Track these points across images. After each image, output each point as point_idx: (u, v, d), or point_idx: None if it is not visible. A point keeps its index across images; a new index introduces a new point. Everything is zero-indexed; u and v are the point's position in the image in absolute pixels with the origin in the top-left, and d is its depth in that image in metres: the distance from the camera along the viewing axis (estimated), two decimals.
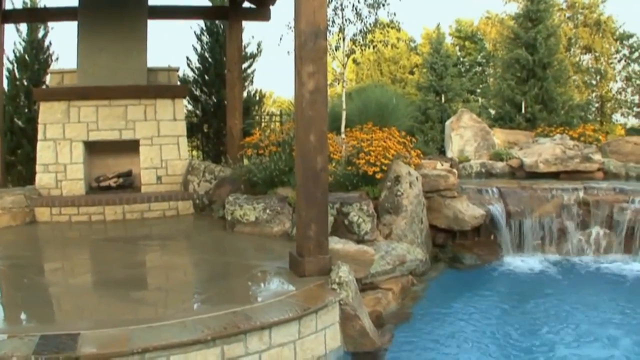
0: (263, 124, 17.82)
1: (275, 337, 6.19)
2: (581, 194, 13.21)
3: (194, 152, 17.70)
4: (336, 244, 8.83)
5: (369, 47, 12.97)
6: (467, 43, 37.28)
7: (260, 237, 10.22)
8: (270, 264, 8.40)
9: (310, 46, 7.45)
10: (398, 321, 8.43)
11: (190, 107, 17.48)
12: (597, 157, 15.80)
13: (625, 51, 32.81)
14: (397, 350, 7.49)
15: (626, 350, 7.81)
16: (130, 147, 12.81)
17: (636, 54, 30.87)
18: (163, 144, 12.83)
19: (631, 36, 32.37)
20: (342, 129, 12.27)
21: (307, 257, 7.68)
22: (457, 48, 37.50)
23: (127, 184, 13.06)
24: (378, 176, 10.85)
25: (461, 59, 36.01)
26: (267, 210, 10.41)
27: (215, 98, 17.14)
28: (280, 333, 6.23)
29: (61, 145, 12.34)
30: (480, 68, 35.95)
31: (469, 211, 12.01)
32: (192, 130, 16.66)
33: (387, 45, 13.23)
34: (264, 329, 6.06)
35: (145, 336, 5.52)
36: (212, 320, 5.97)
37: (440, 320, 8.73)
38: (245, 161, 12.55)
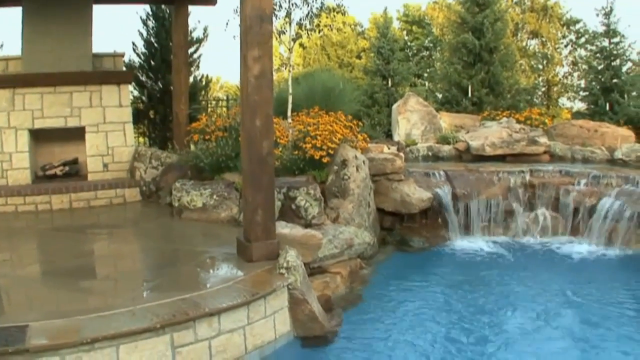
0: (210, 109, 17.74)
1: (225, 323, 6.23)
2: (527, 176, 13.46)
3: (141, 139, 17.54)
4: (283, 228, 8.87)
5: (315, 32, 13.01)
6: (414, 28, 37.48)
7: (207, 223, 10.22)
8: (218, 250, 8.44)
9: (256, 30, 7.47)
10: (347, 305, 8.52)
11: (136, 93, 17.28)
12: (543, 140, 16.05)
13: (572, 36, 33.46)
14: (347, 333, 7.58)
15: (569, 330, 8.03)
16: (76, 134, 12.61)
17: (582, 39, 31.31)
18: (109, 130, 12.68)
19: (578, 22, 32.97)
20: (289, 114, 12.33)
21: (255, 242, 7.74)
22: (405, 33, 37.69)
23: (74, 172, 12.88)
24: (325, 160, 10.91)
25: (408, 44, 36.21)
26: (214, 196, 10.42)
27: (161, 83, 16.99)
28: (229, 319, 6.28)
29: (6, 134, 12.09)
30: (428, 52, 36.21)
31: (416, 194, 12.13)
32: (138, 117, 16.47)
33: (333, 30, 13.28)
34: (212, 316, 6.10)
35: (95, 326, 5.51)
36: (161, 308, 5.99)
37: (389, 303, 8.87)
38: (192, 147, 12.49)
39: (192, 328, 5.92)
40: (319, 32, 13.15)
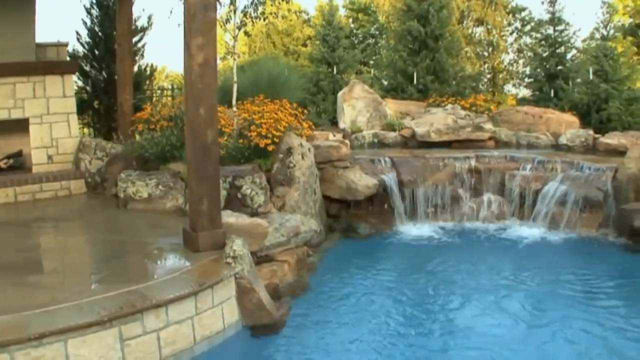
0: (154, 99, 17.61)
1: (172, 314, 6.27)
2: (473, 162, 13.70)
3: (85, 130, 17.32)
4: (229, 217, 8.91)
5: (260, 19, 13.02)
6: (360, 15, 37.51)
7: (154, 213, 10.20)
8: (165, 241, 8.45)
9: (199, 18, 7.48)
10: (295, 292, 8.63)
11: (80, 83, 17.04)
12: (489, 126, 16.33)
13: (518, 24, 33.94)
14: (295, 321, 7.70)
15: (515, 313, 8.25)
16: (20, 126, 12.35)
17: (528, 27, 31.86)
18: (53, 122, 12.47)
19: (523, 9, 33.50)
20: (234, 102, 12.29)
21: (201, 232, 7.77)
22: (351, 20, 37.72)
23: (18, 164, 12.63)
24: (270, 148, 10.94)
25: (354, 31, 36.25)
26: (160, 186, 10.41)
27: (106, 73, 16.78)
28: (177, 310, 6.32)
29: None
30: (374, 40, 36.27)
31: (362, 181, 12.26)
32: (83, 107, 16.24)
33: (278, 17, 13.30)
34: (160, 307, 6.13)
35: (42, 321, 5.49)
36: (108, 300, 5.99)
37: (336, 290, 9.00)
38: (137, 137, 12.40)
39: (140, 320, 5.93)
40: (264, 20, 13.15)
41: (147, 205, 10.37)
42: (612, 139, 15.24)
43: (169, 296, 6.24)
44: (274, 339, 7.18)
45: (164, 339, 6.17)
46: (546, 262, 10.50)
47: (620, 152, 13.76)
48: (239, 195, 10.00)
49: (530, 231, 12.24)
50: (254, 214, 9.82)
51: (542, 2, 22.53)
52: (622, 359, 6.83)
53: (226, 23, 12.53)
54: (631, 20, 31.45)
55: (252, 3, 12.60)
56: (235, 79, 12.40)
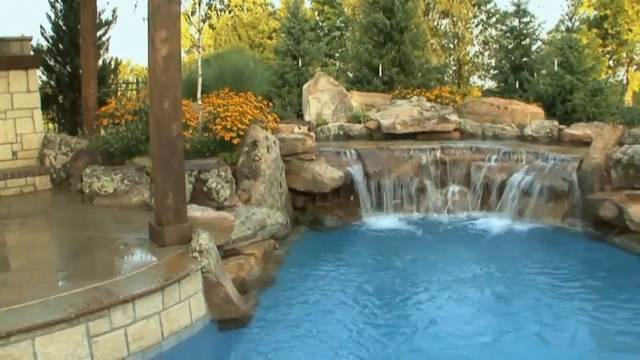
0: (119, 93, 17.49)
1: (140, 310, 6.27)
2: (438, 153, 13.86)
3: (50, 125, 17.16)
4: (195, 211, 8.95)
5: (225, 12, 13.00)
6: (326, 7, 37.45)
7: (119, 208, 10.17)
8: (131, 236, 8.42)
9: (163, 11, 7.47)
10: (262, 286, 8.68)
11: (44, 78, 16.88)
12: (454, 117, 16.47)
13: (483, 16, 34.11)
14: (263, 314, 7.75)
15: (481, 303, 8.37)
16: None
17: (493, 19, 32.09)
18: (17, 117, 12.32)
19: (489, 2, 33.62)
20: (199, 95, 12.27)
21: (167, 226, 7.79)
22: (316, 13, 37.68)
23: None
24: (235, 141, 10.97)
25: (320, 24, 36.20)
26: (125, 181, 10.37)
27: (70, 67, 16.60)
28: (144, 305, 6.33)
29: None
30: (339, 32, 36.26)
31: (327, 173, 12.34)
32: (47, 102, 16.07)
33: (243, 10, 13.29)
34: (127, 303, 6.13)
35: (9, 319, 5.46)
36: (74, 297, 5.97)
37: (303, 283, 9.08)
38: (102, 132, 12.33)
39: (107, 316, 5.93)
40: (229, 13, 13.13)
41: (112, 200, 10.33)
42: (577, 130, 15.49)
43: (136, 292, 6.24)
44: (241, 333, 7.22)
45: (132, 334, 6.17)
46: (512, 253, 10.68)
47: (585, 142, 14.01)
48: (205, 189, 10.01)
49: (496, 222, 12.41)
50: (219, 207, 9.86)
51: None
52: (589, 347, 6.98)
53: (191, 16, 12.50)
54: (596, 12, 31.86)
55: None
56: (200, 72, 12.38)
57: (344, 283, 9.11)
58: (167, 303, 6.62)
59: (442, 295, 8.64)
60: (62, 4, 16.66)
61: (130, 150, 11.18)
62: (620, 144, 12.14)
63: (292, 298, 8.41)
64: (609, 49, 31.22)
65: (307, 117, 17.71)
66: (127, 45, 50.18)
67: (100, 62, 16.29)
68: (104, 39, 17.18)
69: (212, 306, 7.36)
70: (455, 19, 33.65)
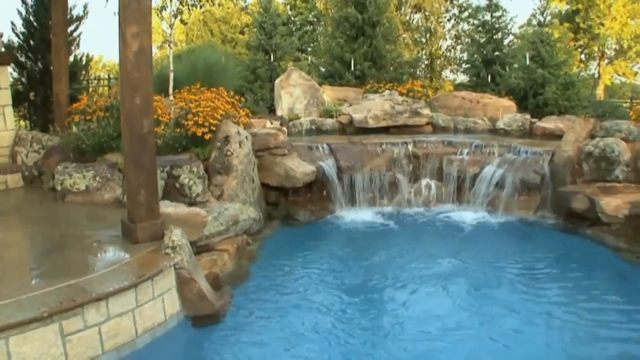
0: (91, 89, 17.39)
1: (113, 307, 6.27)
2: (411, 147, 13.94)
3: (21, 122, 17.02)
4: (168, 207, 8.95)
5: (197, 7, 12.99)
6: (298, 2, 37.45)
7: (92, 205, 10.10)
8: (104, 233, 8.38)
9: (134, 6, 7.45)
10: (236, 281, 8.71)
11: (15, 75, 16.73)
12: (426, 111, 16.60)
13: (455, 10, 34.33)
14: (237, 310, 7.78)
15: (455, 295, 8.48)
16: None
17: (465, 13, 32.23)
18: None
19: None
20: (170, 91, 12.24)
21: (139, 223, 7.78)
22: (288, 7, 37.68)
23: None
24: (207, 137, 10.97)
25: (292, 18, 36.22)
26: (97, 178, 10.30)
27: (41, 64, 16.44)
28: (117, 303, 6.32)
29: None
30: (311, 27, 36.30)
31: (300, 168, 12.37)
32: (18, 99, 15.94)
33: (215, 5, 13.27)
34: (100, 300, 6.12)
35: None
36: (48, 296, 5.95)
37: (277, 278, 9.12)
38: (74, 128, 12.25)
39: (80, 315, 5.91)
40: (201, 8, 13.12)
41: (85, 197, 10.26)
42: (548, 123, 15.67)
43: (109, 289, 6.23)
44: (215, 329, 7.25)
45: (106, 332, 6.17)
46: (485, 246, 10.80)
47: (557, 135, 14.21)
48: (177, 185, 10.02)
49: (469, 215, 12.53)
50: (192, 203, 9.87)
51: None
52: (563, 338, 7.11)
53: (162, 11, 12.47)
54: (568, 6, 32.18)
55: None
56: (172, 67, 12.35)
57: (317, 278, 9.18)
58: (140, 300, 6.62)
59: (416, 290, 8.72)
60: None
61: (102, 147, 11.13)
62: (592, 137, 12.32)
63: (266, 293, 8.45)
64: (581, 43, 31.62)
65: (279, 112, 17.74)
66: (98, 41, 49.97)
67: (71, 58, 16.16)
68: (75, 34, 17.04)
69: (186, 302, 7.37)
70: (427, 13, 33.80)
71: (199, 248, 8.74)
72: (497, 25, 22.79)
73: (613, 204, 10.57)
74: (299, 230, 11.99)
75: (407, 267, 9.60)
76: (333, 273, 9.39)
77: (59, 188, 10.39)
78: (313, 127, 16.83)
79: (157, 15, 12.05)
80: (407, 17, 34.09)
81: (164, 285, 7.08)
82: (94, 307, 6.05)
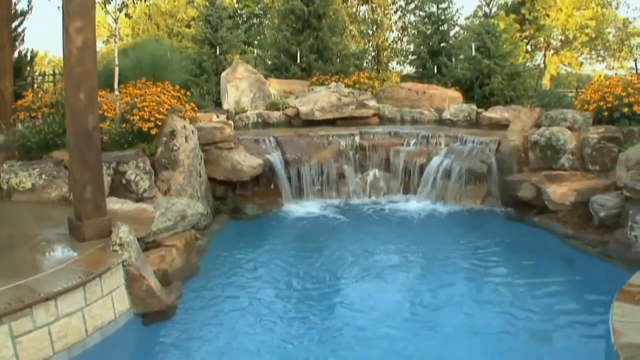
0: (36, 85, 17.18)
1: (62, 307, 6.24)
2: (357, 139, 14.08)
3: None
4: (115, 204, 8.94)
5: (142, 1, 12.91)
6: None
7: (38, 204, 9.97)
8: (51, 232, 8.30)
9: (77, 0, 7.38)
10: (185, 277, 8.74)
11: None
12: (373, 103, 16.75)
13: (402, 2, 34.38)
14: (187, 305, 7.83)
15: (403, 284, 8.67)
16: None
17: (412, 5, 32.35)
18: None
19: None
20: (116, 86, 12.17)
21: (86, 220, 7.74)
22: (235, 0, 37.50)
23: None
24: (153, 132, 10.95)
25: (238, 11, 36.03)
26: (43, 176, 10.18)
27: None
28: (66, 302, 6.30)
29: None
30: (258, 20, 36.14)
31: (246, 162, 12.43)
32: None
33: None
34: (49, 300, 6.09)
35: None
36: None
37: (226, 272, 9.19)
38: (19, 126, 12.11)
39: (29, 315, 5.88)
40: (146, 1, 13.05)
41: (31, 196, 10.14)
42: (494, 113, 15.95)
43: (58, 289, 6.20)
44: (165, 325, 7.28)
45: (56, 332, 6.15)
46: (434, 236, 11.03)
47: (503, 125, 14.52)
48: (124, 181, 9.99)
49: (417, 205, 12.75)
50: (139, 199, 9.86)
51: None
52: (515, 327, 7.25)
53: (107, 4, 12.37)
54: None
55: None
56: (117, 62, 12.28)
57: (266, 271, 9.27)
58: (89, 299, 6.61)
59: (366, 282, 8.86)
60: None
61: (48, 144, 11.02)
62: (538, 126, 12.62)
63: (215, 288, 8.50)
64: (527, 34, 32.00)
65: (225, 106, 17.74)
66: (44, 36, 49.17)
67: (16, 54, 15.95)
68: (19, 30, 16.82)
69: (135, 300, 7.38)
70: (374, 5, 33.89)
71: (147, 244, 8.73)
72: (443, 17, 23.10)
73: (559, 192, 10.87)
74: (247, 224, 12.03)
75: (356, 259, 9.73)
76: (281, 267, 9.47)
77: (4, 187, 10.26)
78: (260, 120, 16.84)
79: (102, 9, 11.98)
80: (354, 9, 34.18)
81: (112, 283, 7.07)
82: (43, 307, 6.01)
